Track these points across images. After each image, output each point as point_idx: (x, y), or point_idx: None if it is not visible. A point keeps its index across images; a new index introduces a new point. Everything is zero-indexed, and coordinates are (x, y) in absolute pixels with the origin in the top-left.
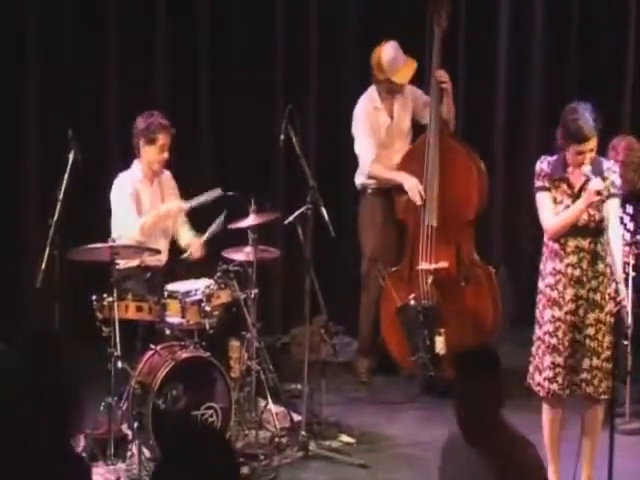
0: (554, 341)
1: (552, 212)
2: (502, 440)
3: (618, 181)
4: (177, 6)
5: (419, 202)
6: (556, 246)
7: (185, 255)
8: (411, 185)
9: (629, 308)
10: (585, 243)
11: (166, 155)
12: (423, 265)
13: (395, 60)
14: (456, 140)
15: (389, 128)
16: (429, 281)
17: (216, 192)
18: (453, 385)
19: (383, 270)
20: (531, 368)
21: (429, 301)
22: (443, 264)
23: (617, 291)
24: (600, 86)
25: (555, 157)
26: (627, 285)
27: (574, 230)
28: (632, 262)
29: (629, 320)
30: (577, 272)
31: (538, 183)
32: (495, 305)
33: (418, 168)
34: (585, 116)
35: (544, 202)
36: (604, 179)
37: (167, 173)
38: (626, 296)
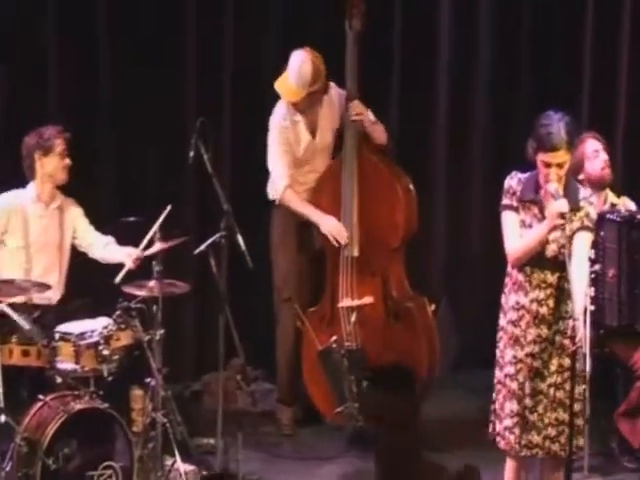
0: (515, 386)
1: (517, 235)
2: None
3: (594, 215)
4: (71, 25)
5: (337, 245)
6: (521, 277)
7: (120, 276)
8: (329, 228)
9: (587, 348)
10: (552, 278)
11: (68, 161)
12: (344, 302)
13: (291, 65)
14: (377, 156)
15: (309, 145)
16: (352, 320)
17: (167, 210)
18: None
19: (299, 309)
20: (492, 416)
21: (353, 343)
22: (367, 300)
23: (574, 329)
24: (554, 96)
25: (527, 175)
26: (585, 321)
27: (540, 261)
28: (591, 294)
29: (587, 362)
30: (543, 310)
31: (505, 201)
32: (431, 343)
33: (335, 191)
34: (558, 125)
35: (509, 223)
36: (579, 209)
37: (70, 199)
38: (584, 335)
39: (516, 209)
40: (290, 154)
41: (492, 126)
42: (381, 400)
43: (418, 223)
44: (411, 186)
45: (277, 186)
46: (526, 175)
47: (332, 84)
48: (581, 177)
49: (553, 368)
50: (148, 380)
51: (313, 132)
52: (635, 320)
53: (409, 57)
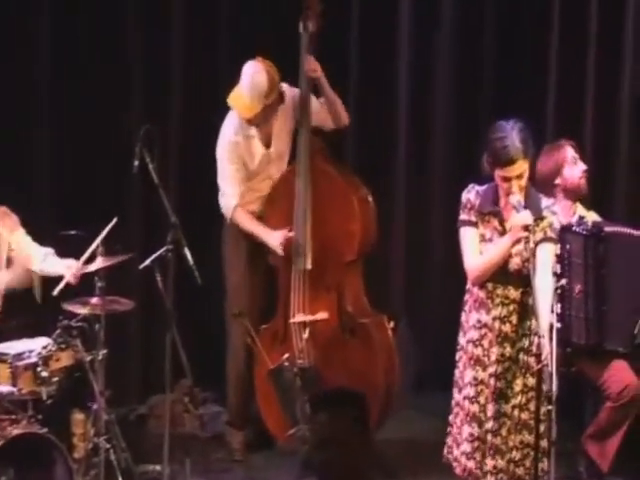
0: (475, 408)
1: (476, 251)
2: None
3: (557, 224)
4: (8, 30)
5: (282, 253)
6: (482, 294)
7: (58, 289)
8: (275, 243)
9: (553, 367)
10: (516, 294)
11: None
12: (297, 317)
13: (243, 77)
14: (332, 165)
15: (264, 156)
16: (305, 336)
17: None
18: None
19: (250, 325)
20: (449, 440)
21: (306, 361)
22: (321, 315)
23: (539, 347)
24: (519, 102)
25: (485, 187)
26: (551, 338)
27: (503, 277)
28: (557, 311)
29: (554, 382)
30: (506, 327)
31: (463, 216)
32: (389, 361)
33: (288, 201)
34: (512, 136)
35: (468, 239)
36: (542, 218)
37: (3, 208)
38: (550, 353)
39: (475, 224)
40: (242, 171)
41: (454, 136)
42: (333, 422)
43: (377, 236)
44: (369, 197)
45: (227, 205)
46: (484, 187)
47: (285, 85)
48: (557, 182)
49: (517, 388)
50: (90, 403)
51: (268, 144)
52: (603, 338)
53: (367, 59)
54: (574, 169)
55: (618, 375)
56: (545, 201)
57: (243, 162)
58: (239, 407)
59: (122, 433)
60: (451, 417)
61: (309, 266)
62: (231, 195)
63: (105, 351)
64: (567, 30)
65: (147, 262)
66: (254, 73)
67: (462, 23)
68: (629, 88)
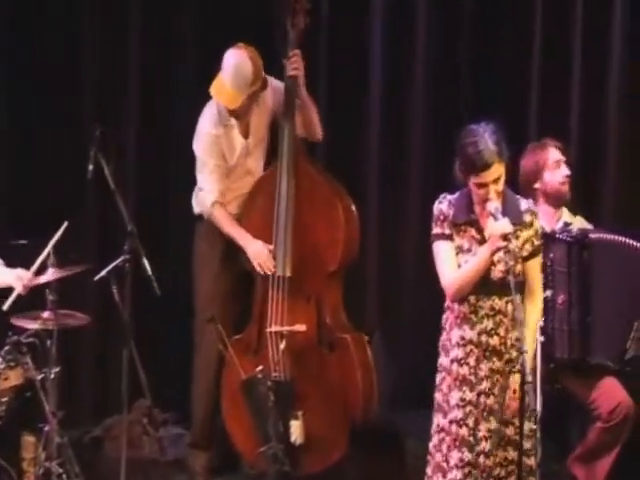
0: (464, 432)
1: (453, 266)
2: None
3: (540, 227)
4: None
5: (263, 273)
6: (465, 309)
7: (9, 302)
8: (255, 252)
9: (538, 384)
10: (501, 303)
11: None
12: (273, 327)
13: (226, 68)
14: (317, 168)
15: (243, 148)
16: (281, 347)
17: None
18: None
19: (222, 330)
20: (429, 470)
21: (282, 374)
22: (299, 327)
23: (523, 364)
24: (498, 101)
25: (457, 195)
26: (535, 353)
27: (486, 287)
28: (540, 324)
29: (538, 400)
30: (493, 341)
31: (436, 230)
32: (368, 379)
33: (269, 203)
34: (485, 138)
35: (443, 254)
36: (522, 223)
37: None
38: (534, 369)
39: (449, 237)
40: (222, 167)
41: (430, 146)
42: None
43: (359, 248)
44: (353, 207)
45: (205, 202)
46: (456, 196)
47: (270, 78)
48: (536, 186)
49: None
50: (41, 425)
51: (246, 134)
52: (587, 352)
53: (339, 59)
54: (555, 174)
55: (609, 393)
56: (525, 203)
57: (223, 156)
58: (205, 423)
59: (76, 457)
60: (432, 445)
61: (288, 273)
62: (210, 191)
63: (57, 369)
64: (551, 20)
65: (103, 273)
66: (237, 63)
67: (438, 23)
68: (617, 83)
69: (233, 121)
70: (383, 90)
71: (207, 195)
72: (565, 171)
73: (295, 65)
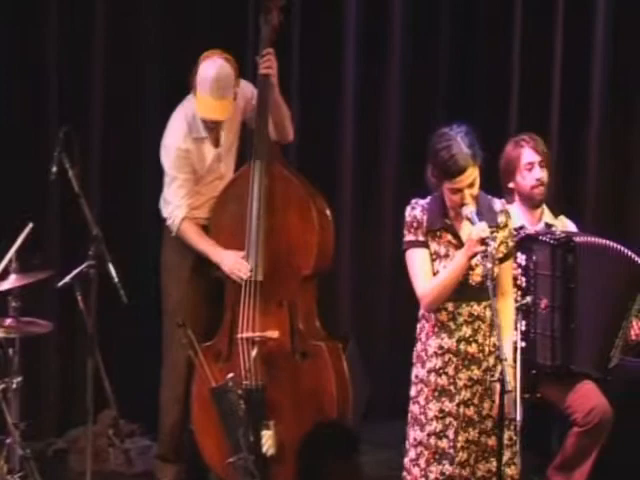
0: (444, 444)
1: (428, 275)
2: None
3: (512, 227)
4: None
5: (241, 280)
6: (442, 317)
7: None
8: (231, 266)
9: (518, 393)
10: (479, 308)
11: None
12: (245, 333)
13: (205, 83)
14: (290, 170)
15: (215, 157)
16: (253, 355)
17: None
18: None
19: (192, 336)
20: None
21: (253, 382)
22: (272, 333)
23: (502, 372)
24: (477, 100)
25: (429, 200)
26: (515, 360)
27: (464, 292)
28: (522, 329)
29: (518, 410)
30: (472, 348)
31: (409, 237)
32: (343, 388)
33: (240, 205)
34: (458, 142)
35: (417, 262)
36: (499, 228)
37: None
38: (513, 378)
39: (423, 244)
40: (191, 181)
41: (406, 149)
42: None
43: (333, 253)
44: (327, 210)
45: (173, 216)
46: (428, 200)
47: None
48: (511, 185)
49: (485, 412)
50: (2, 437)
51: (217, 142)
52: (571, 359)
53: (310, 58)
54: (526, 177)
55: (584, 398)
56: (499, 203)
57: (193, 170)
58: (173, 434)
59: (39, 470)
60: (409, 459)
61: (260, 277)
62: (178, 206)
63: (20, 378)
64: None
65: (67, 279)
66: (217, 72)
67: (415, 20)
68: (600, 75)
69: (204, 133)
70: (357, 90)
71: (175, 211)
72: (537, 174)
73: (268, 64)
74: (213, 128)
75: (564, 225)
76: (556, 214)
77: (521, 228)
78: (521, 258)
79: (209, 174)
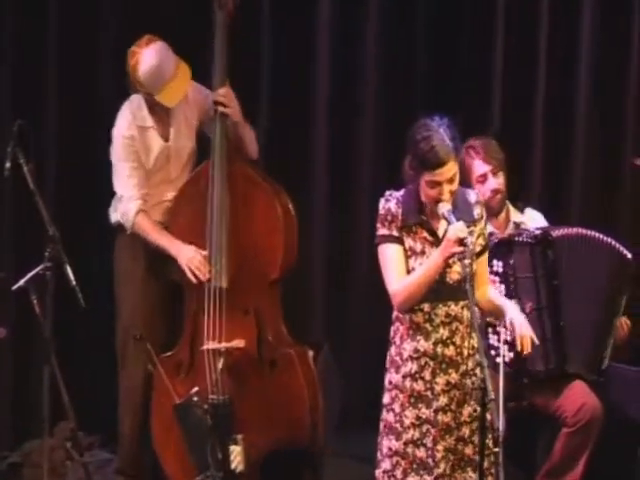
0: (422, 453)
1: (401, 272)
2: None
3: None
4: None
5: (196, 281)
6: (418, 318)
7: None
8: (188, 259)
9: (500, 402)
10: (457, 309)
11: None
12: (210, 344)
13: (158, 74)
14: (252, 168)
15: (162, 150)
16: (219, 367)
17: None
18: None
19: (151, 349)
20: None
21: (220, 396)
22: (238, 343)
23: (484, 380)
24: (457, 99)
25: (404, 192)
26: (498, 370)
27: (441, 292)
28: (507, 338)
29: (500, 420)
30: (449, 351)
31: (383, 231)
32: (314, 397)
33: (199, 207)
34: (440, 133)
35: (390, 258)
36: (476, 221)
37: None
38: (497, 386)
39: (397, 239)
40: (140, 170)
41: (382, 145)
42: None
43: (298, 253)
44: (290, 206)
45: (126, 210)
46: (402, 193)
47: (192, 82)
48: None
49: (462, 419)
50: None
51: (166, 136)
52: (565, 361)
53: (282, 55)
54: (481, 189)
55: (573, 397)
56: (473, 194)
57: (139, 158)
58: (132, 448)
59: None
60: (382, 471)
61: (225, 284)
62: (130, 198)
63: None
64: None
65: (21, 282)
66: (159, 59)
67: (391, 13)
68: (585, 71)
69: (150, 122)
70: (331, 87)
71: (127, 204)
72: (491, 185)
73: (222, 100)
74: (159, 120)
75: (532, 218)
76: (520, 207)
77: (491, 235)
78: (497, 265)
79: (157, 172)
